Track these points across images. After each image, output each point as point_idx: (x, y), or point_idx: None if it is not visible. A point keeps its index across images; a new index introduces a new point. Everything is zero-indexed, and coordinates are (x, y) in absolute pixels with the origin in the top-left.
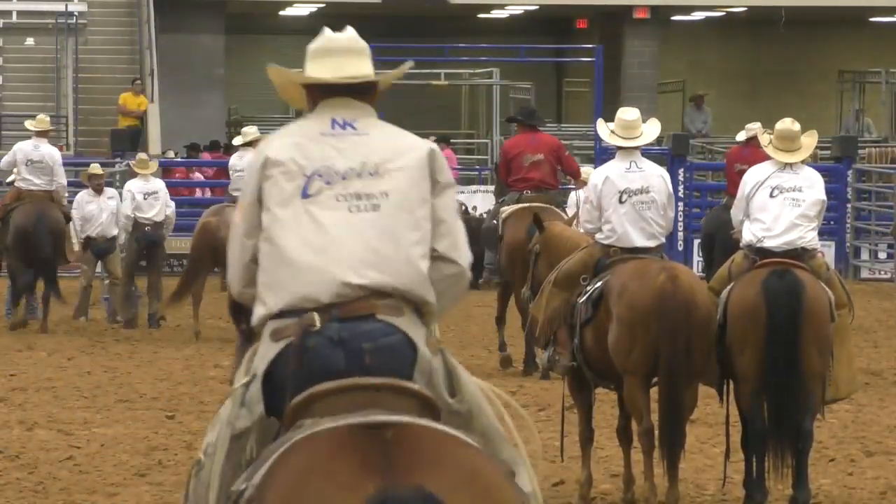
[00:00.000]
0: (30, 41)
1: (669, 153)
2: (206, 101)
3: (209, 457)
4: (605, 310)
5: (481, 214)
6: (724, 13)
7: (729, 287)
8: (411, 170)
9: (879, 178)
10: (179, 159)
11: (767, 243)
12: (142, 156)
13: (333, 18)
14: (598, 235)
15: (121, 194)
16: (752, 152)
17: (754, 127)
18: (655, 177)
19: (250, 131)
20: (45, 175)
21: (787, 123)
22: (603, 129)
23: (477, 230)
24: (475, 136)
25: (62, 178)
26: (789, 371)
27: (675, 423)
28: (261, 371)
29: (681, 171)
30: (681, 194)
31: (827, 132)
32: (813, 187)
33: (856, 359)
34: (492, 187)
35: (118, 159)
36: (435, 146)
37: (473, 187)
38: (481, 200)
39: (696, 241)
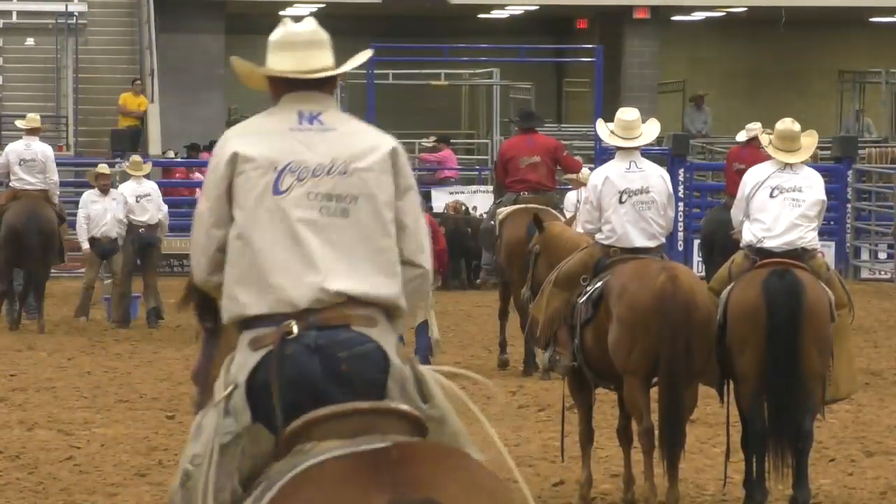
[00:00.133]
0: (30, 41)
1: (669, 153)
2: (206, 101)
3: (198, 468)
4: (605, 310)
5: (481, 215)
6: (724, 13)
7: (729, 287)
8: (378, 171)
9: (879, 178)
10: (179, 159)
11: (767, 243)
12: (135, 158)
13: (333, 18)
14: (598, 236)
15: None
16: (752, 152)
17: (755, 127)
18: (655, 177)
19: None
20: (40, 173)
21: (787, 123)
22: (602, 129)
23: (477, 230)
24: (475, 136)
25: (54, 175)
26: (789, 371)
27: (675, 424)
28: (242, 380)
29: (681, 171)
30: (681, 194)
31: (827, 132)
32: (813, 187)
33: (856, 359)
34: (492, 187)
35: (118, 159)
36: (397, 144)
37: (473, 187)
38: (481, 200)
39: (696, 241)
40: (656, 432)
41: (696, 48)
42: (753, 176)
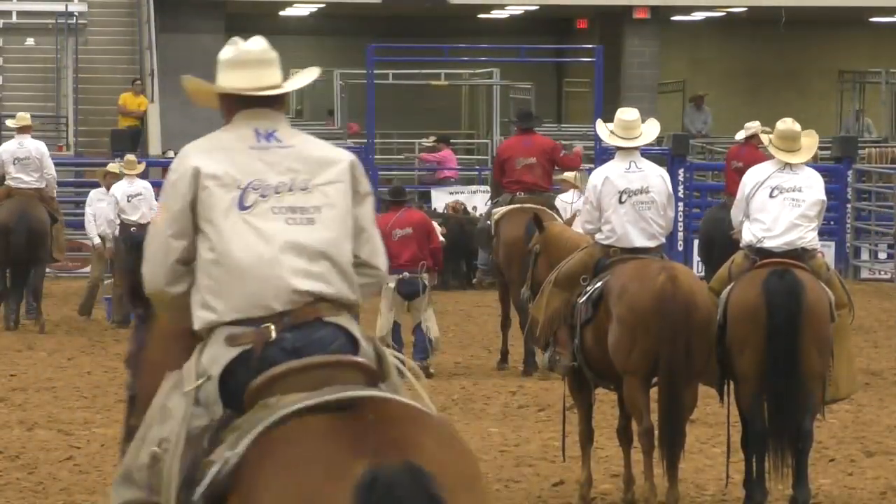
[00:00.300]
0: (30, 41)
1: (669, 153)
2: None
3: (166, 452)
4: (605, 310)
5: (481, 215)
6: (724, 13)
7: (729, 287)
8: (338, 183)
9: (879, 178)
10: None
11: (767, 243)
12: (129, 157)
13: (333, 18)
14: (598, 236)
15: None
16: (750, 151)
17: (753, 126)
18: (655, 177)
19: None
20: (35, 171)
21: (788, 123)
22: (602, 129)
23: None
24: (475, 136)
25: (51, 170)
26: (789, 371)
27: (674, 424)
28: (216, 373)
29: (681, 171)
30: (681, 194)
31: (827, 132)
32: (812, 187)
33: (856, 359)
34: None
35: (118, 159)
36: (355, 157)
37: (473, 187)
38: (481, 200)
39: (696, 241)
40: (656, 432)
41: (696, 48)
42: (753, 176)
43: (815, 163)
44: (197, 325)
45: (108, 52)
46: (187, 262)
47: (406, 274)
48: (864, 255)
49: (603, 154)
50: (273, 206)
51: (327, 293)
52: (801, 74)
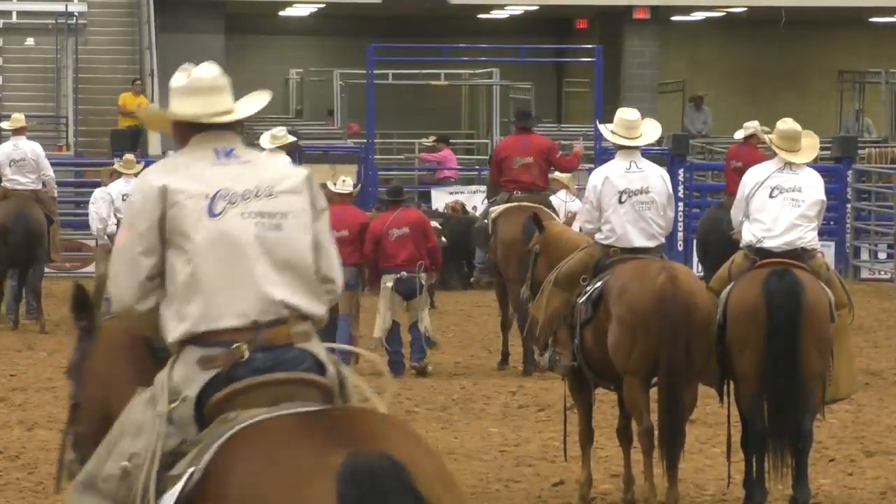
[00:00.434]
0: (30, 41)
1: (669, 153)
2: None
3: (137, 468)
4: (604, 310)
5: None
6: (724, 13)
7: (729, 287)
8: (297, 194)
9: (879, 178)
10: None
11: (767, 244)
12: (128, 157)
13: (333, 18)
14: (597, 236)
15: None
16: (749, 150)
17: (752, 125)
18: (655, 177)
19: (281, 134)
20: (32, 172)
21: (789, 123)
22: (604, 129)
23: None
24: (475, 136)
25: (49, 171)
26: (789, 371)
27: (674, 424)
28: (193, 395)
29: (681, 171)
30: (681, 194)
31: (827, 132)
32: (812, 187)
33: (856, 359)
34: None
35: (118, 159)
36: (309, 172)
37: (473, 187)
38: (481, 200)
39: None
40: (656, 432)
41: (696, 48)
42: (753, 176)
43: (814, 163)
44: (170, 338)
45: (108, 52)
46: (154, 277)
47: (403, 273)
48: (864, 255)
49: (603, 154)
50: (242, 211)
51: (298, 303)
52: (801, 74)
